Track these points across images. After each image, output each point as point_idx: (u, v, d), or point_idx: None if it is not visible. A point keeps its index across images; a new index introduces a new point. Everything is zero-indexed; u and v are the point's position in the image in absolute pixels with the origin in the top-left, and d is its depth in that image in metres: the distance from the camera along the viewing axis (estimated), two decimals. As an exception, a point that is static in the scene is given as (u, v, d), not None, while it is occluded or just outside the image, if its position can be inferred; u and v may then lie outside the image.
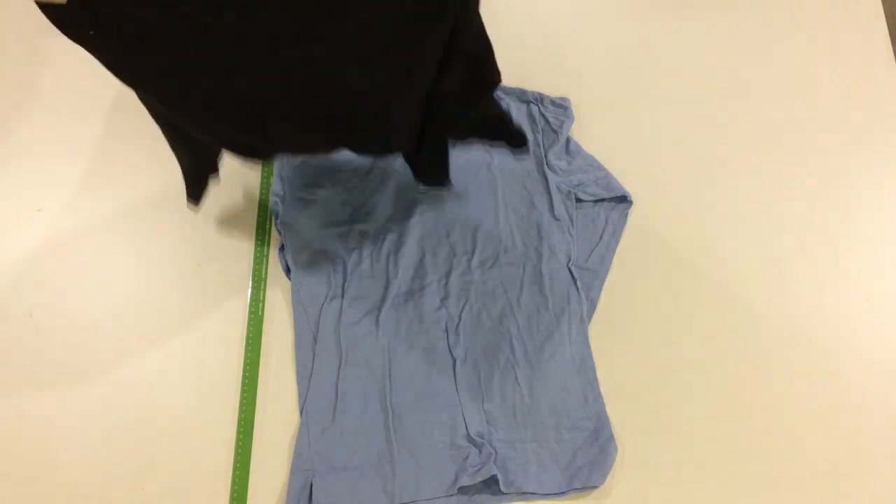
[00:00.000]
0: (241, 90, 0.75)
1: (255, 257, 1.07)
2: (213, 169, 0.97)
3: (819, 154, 1.15)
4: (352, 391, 0.99)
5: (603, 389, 1.00)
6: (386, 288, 1.05)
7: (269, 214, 1.09)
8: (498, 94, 1.14)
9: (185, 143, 0.93)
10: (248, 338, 1.03)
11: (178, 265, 1.07)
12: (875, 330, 1.04)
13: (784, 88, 1.19)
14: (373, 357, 1.01)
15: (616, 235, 1.09)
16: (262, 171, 1.12)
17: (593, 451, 0.96)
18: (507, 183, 1.11)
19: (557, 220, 1.08)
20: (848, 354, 1.03)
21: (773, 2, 1.26)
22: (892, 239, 1.10)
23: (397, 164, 1.10)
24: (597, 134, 1.15)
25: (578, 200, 1.10)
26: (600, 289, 1.05)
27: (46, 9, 0.62)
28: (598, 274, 1.06)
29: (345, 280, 1.05)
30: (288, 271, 1.06)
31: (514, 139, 0.97)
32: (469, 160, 1.12)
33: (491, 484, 0.94)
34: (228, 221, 1.10)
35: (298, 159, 1.10)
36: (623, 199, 1.10)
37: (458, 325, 1.03)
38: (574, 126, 1.14)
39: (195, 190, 0.99)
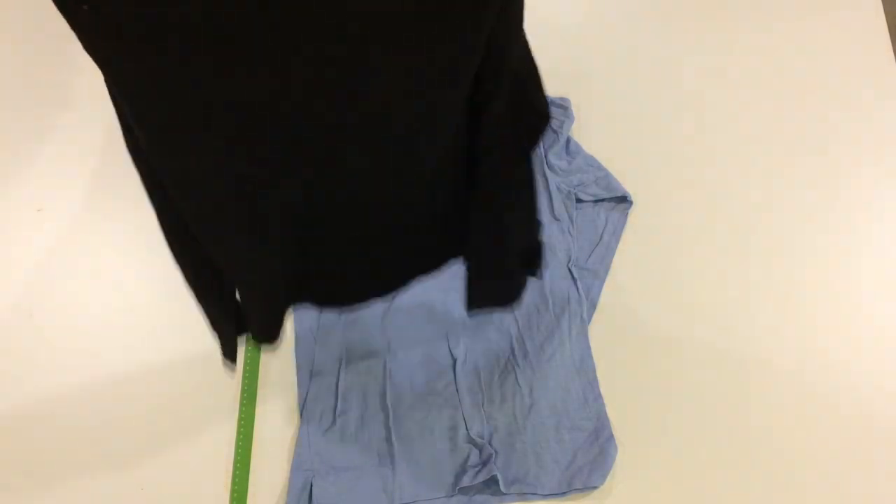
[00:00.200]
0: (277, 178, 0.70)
1: (255, 257, 1.07)
2: (244, 327, 0.89)
3: (819, 153, 1.15)
4: (352, 392, 0.99)
5: (603, 389, 1.00)
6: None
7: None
8: None
9: (215, 291, 0.84)
10: (248, 337, 1.03)
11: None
12: (875, 330, 1.04)
13: (784, 88, 1.19)
14: (373, 358, 1.01)
15: (616, 235, 1.09)
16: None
17: (593, 451, 0.96)
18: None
19: (557, 220, 1.08)
20: (848, 354, 1.03)
21: (773, 2, 1.26)
22: (893, 239, 1.10)
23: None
24: (597, 134, 1.15)
25: (578, 200, 1.10)
26: (600, 289, 1.05)
27: None
28: (598, 274, 1.06)
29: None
30: None
31: (534, 262, 0.92)
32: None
33: (491, 484, 0.94)
34: (228, 221, 1.10)
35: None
36: (623, 199, 1.10)
37: (458, 325, 1.03)
38: (574, 126, 1.14)
39: (228, 348, 0.91)
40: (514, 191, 0.80)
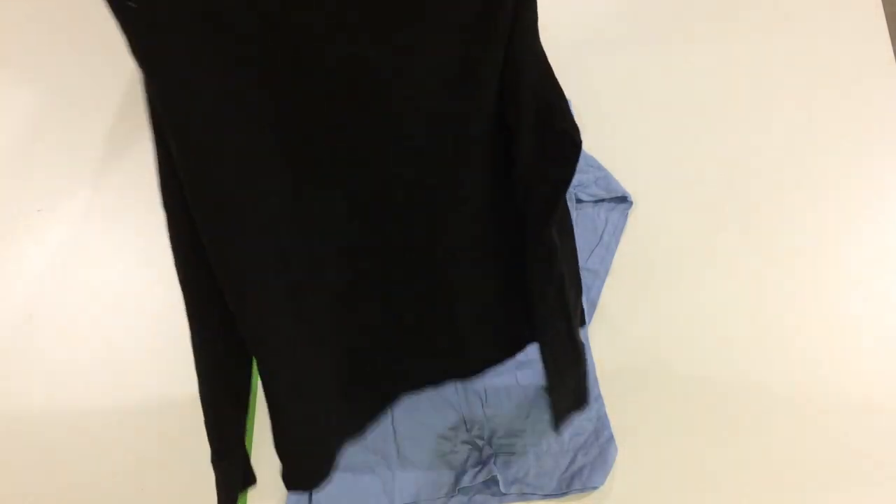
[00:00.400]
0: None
1: (255, 257, 1.07)
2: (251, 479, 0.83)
3: (819, 153, 1.15)
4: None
5: (603, 390, 1.00)
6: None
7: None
8: None
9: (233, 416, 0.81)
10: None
11: (178, 265, 1.07)
12: (875, 330, 1.04)
13: (784, 88, 1.19)
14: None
15: (616, 235, 1.09)
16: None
17: (593, 451, 0.96)
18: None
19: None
20: (848, 354, 1.03)
21: (773, 2, 1.26)
22: (893, 239, 1.10)
23: None
24: (597, 134, 1.15)
25: (578, 200, 1.10)
26: (600, 289, 1.05)
27: None
28: (598, 274, 1.06)
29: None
30: None
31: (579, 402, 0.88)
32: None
33: (491, 484, 0.94)
34: (228, 221, 1.10)
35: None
36: (623, 200, 1.10)
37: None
38: (574, 126, 1.14)
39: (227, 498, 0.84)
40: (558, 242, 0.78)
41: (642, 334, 1.03)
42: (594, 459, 0.95)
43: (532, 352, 1.01)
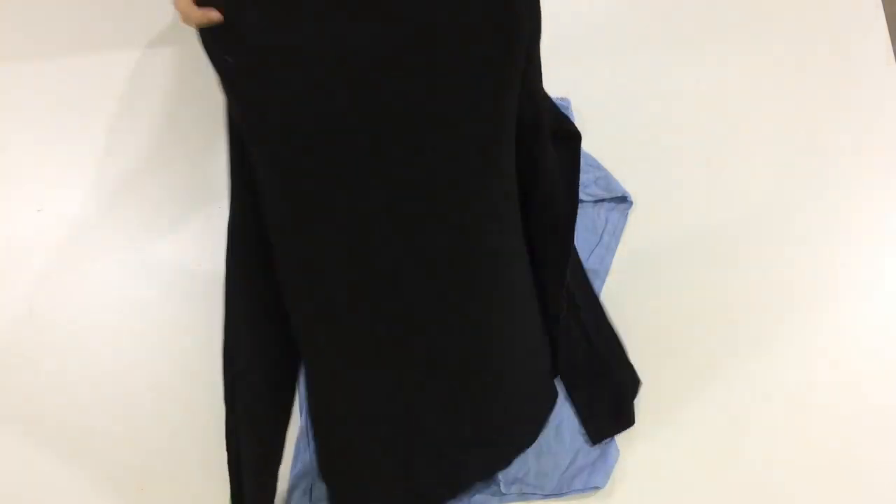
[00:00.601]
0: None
1: (256, 257, 1.07)
2: None
3: (819, 153, 1.15)
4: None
5: (603, 390, 1.00)
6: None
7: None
8: None
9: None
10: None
11: (179, 265, 1.07)
12: (875, 329, 1.04)
13: (784, 88, 1.19)
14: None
15: (616, 235, 1.08)
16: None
17: (594, 452, 0.95)
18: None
19: (557, 220, 1.08)
20: (848, 354, 1.03)
21: (773, 2, 1.26)
22: (892, 239, 1.10)
23: None
24: (597, 134, 1.15)
25: (579, 201, 1.09)
26: (600, 289, 1.05)
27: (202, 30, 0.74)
28: (598, 274, 1.06)
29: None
30: None
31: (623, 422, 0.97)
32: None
33: (491, 484, 0.94)
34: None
35: None
36: (623, 200, 1.10)
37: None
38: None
39: None
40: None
41: (642, 334, 1.03)
42: (595, 460, 0.95)
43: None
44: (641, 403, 0.99)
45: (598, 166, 1.11)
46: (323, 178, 0.77)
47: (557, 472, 0.95)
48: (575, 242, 1.07)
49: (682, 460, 0.97)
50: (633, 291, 1.06)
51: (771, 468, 0.97)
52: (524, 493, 0.94)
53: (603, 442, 0.96)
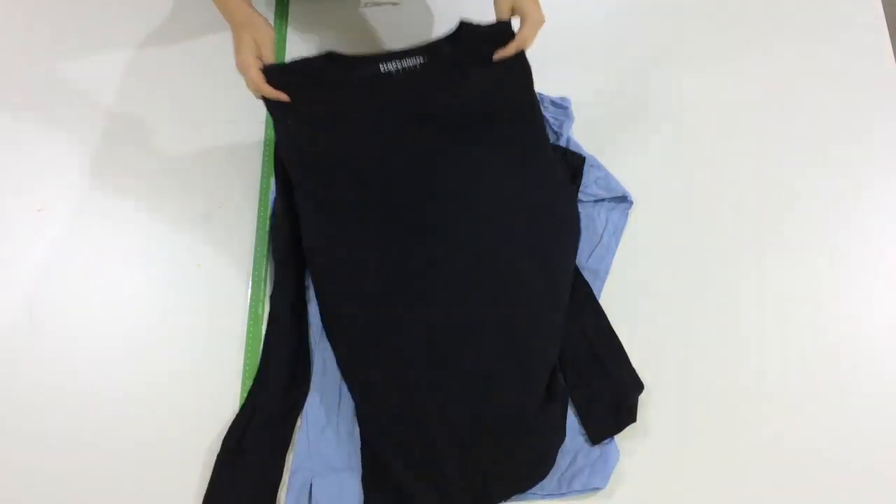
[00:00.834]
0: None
1: (255, 257, 1.07)
2: None
3: (819, 153, 1.15)
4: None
5: (603, 390, 1.00)
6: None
7: (268, 214, 1.08)
8: None
9: None
10: (248, 338, 1.03)
11: (178, 265, 1.07)
12: (878, 330, 1.04)
13: (784, 88, 1.19)
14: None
15: (616, 235, 1.08)
16: (262, 169, 1.12)
17: (594, 453, 0.95)
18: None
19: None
20: (848, 354, 1.02)
21: (772, 2, 1.26)
22: (893, 239, 1.09)
23: None
24: (597, 134, 1.15)
25: (578, 201, 1.09)
26: (600, 289, 1.05)
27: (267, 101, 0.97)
28: (598, 274, 1.05)
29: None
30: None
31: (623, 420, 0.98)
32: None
33: (491, 484, 0.94)
34: (228, 221, 1.10)
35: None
36: (623, 199, 1.10)
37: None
38: (574, 126, 1.14)
39: None
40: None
41: (643, 335, 1.03)
42: (595, 461, 0.95)
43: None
44: (641, 404, 0.98)
45: (598, 166, 1.11)
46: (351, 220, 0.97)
47: (557, 472, 0.94)
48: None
49: (682, 461, 0.97)
50: (633, 291, 1.05)
51: (772, 469, 0.96)
52: (524, 493, 0.94)
53: (603, 443, 0.96)
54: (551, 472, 0.94)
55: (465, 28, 1.01)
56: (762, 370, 1.01)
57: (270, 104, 0.97)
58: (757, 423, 0.99)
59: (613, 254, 1.07)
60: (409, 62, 0.99)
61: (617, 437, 0.96)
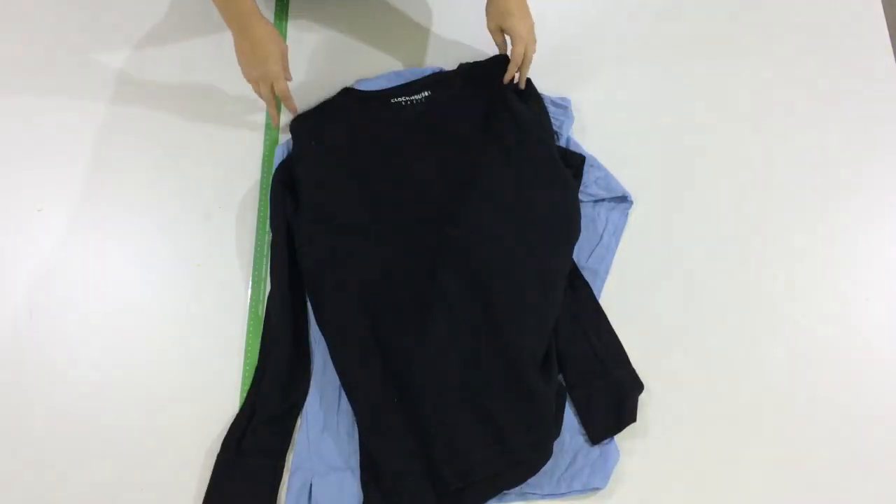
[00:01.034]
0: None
1: (255, 257, 1.07)
2: None
3: (819, 153, 1.15)
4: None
5: (603, 390, 1.00)
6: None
7: (268, 214, 1.09)
8: None
9: None
10: (248, 338, 1.03)
11: (178, 265, 1.07)
12: (879, 330, 1.04)
13: (784, 88, 1.19)
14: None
15: (616, 235, 1.08)
16: (262, 168, 1.12)
17: (594, 453, 0.95)
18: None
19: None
20: (848, 354, 1.02)
21: (772, 3, 1.26)
22: (892, 239, 1.09)
23: None
24: (597, 134, 1.15)
25: (579, 201, 1.09)
26: (600, 289, 1.05)
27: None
28: (598, 274, 1.05)
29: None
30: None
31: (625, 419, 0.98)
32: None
33: (491, 484, 0.94)
34: (228, 221, 1.10)
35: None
36: (623, 199, 1.10)
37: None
38: (574, 126, 1.14)
39: None
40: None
41: (643, 335, 1.03)
42: (595, 461, 0.95)
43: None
44: (641, 404, 0.98)
45: (598, 166, 1.11)
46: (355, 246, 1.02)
47: (557, 472, 0.94)
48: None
49: (682, 461, 0.97)
50: (633, 291, 1.05)
51: (772, 469, 0.96)
52: (524, 493, 0.94)
53: (603, 443, 0.96)
54: (551, 472, 0.94)
55: (464, 66, 1.13)
56: (762, 370, 1.01)
57: (296, 126, 1.09)
58: (757, 422, 0.99)
59: (613, 254, 1.07)
60: (417, 96, 1.10)
61: (617, 437, 0.96)
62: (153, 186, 1.12)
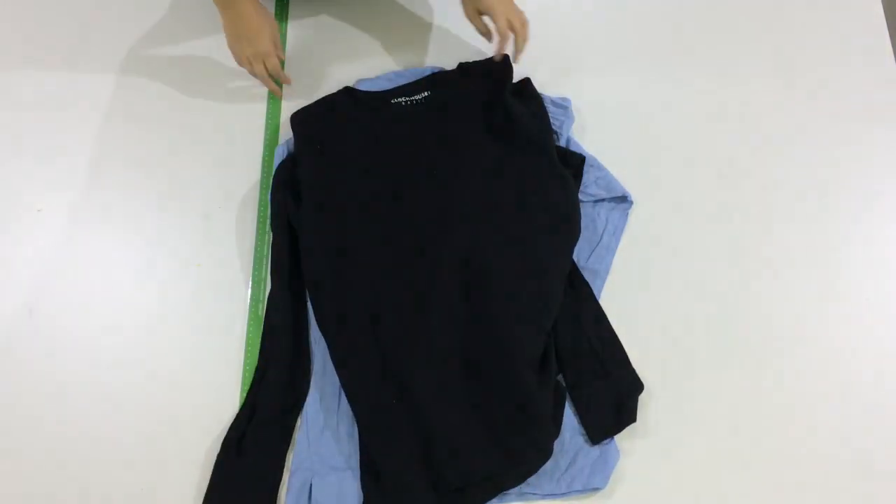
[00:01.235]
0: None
1: (255, 257, 1.07)
2: None
3: (819, 154, 1.15)
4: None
5: (603, 390, 0.99)
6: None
7: (268, 214, 1.09)
8: None
9: None
10: (248, 338, 1.03)
11: (178, 265, 1.07)
12: (879, 330, 1.04)
13: (784, 88, 1.19)
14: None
15: (616, 235, 1.08)
16: (262, 168, 1.12)
17: (594, 453, 0.95)
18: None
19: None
20: (849, 354, 1.02)
21: (772, 3, 1.26)
22: (893, 239, 1.09)
23: None
24: (597, 134, 1.15)
25: (579, 201, 1.09)
26: (600, 289, 1.05)
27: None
28: (598, 274, 1.05)
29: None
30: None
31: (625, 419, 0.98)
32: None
33: (490, 484, 0.94)
34: (228, 221, 1.10)
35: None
36: (623, 199, 1.10)
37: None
38: (574, 126, 1.14)
39: None
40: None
41: (643, 335, 1.03)
42: (595, 461, 0.95)
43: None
44: (641, 404, 0.98)
45: (598, 166, 1.11)
46: (357, 239, 1.01)
47: (557, 472, 0.94)
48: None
49: (682, 461, 0.97)
50: (633, 291, 1.05)
51: (772, 469, 0.96)
52: (523, 493, 0.94)
53: (603, 443, 0.96)
54: (551, 472, 0.94)
55: (464, 66, 1.13)
56: (762, 370, 1.01)
57: (296, 126, 1.08)
58: (757, 422, 0.99)
59: (613, 254, 1.07)
60: (417, 96, 1.11)
61: (617, 437, 0.96)
62: (153, 186, 1.12)
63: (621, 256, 1.07)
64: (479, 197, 1.03)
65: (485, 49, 1.17)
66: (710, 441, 0.98)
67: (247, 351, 1.02)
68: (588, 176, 1.10)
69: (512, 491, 0.93)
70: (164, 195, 1.11)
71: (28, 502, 0.95)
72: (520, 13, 1.03)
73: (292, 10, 1.24)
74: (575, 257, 1.05)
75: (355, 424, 0.96)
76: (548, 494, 0.94)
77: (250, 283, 1.06)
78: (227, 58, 1.10)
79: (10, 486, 0.96)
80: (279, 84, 1.14)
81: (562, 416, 0.96)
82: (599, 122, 1.15)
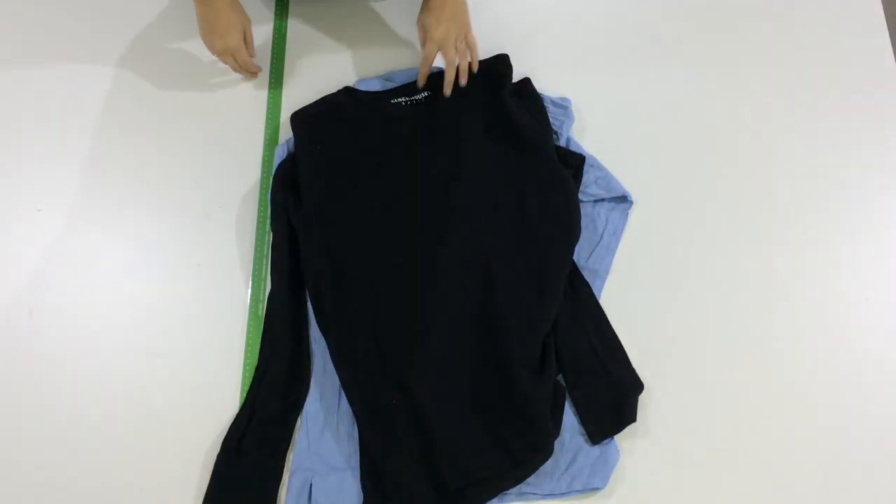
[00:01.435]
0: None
1: (255, 257, 1.07)
2: None
3: (819, 154, 1.15)
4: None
5: (603, 390, 0.99)
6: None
7: (268, 214, 1.09)
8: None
9: None
10: (248, 338, 1.03)
11: (178, 265, 1.07)
12: (878, 330, 1.04)
13: (784, 88, 1.19)
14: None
15: (616, 235, 1.08)
16: (262, 168, 1.12)
17: (594, 453, 0.95)
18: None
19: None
20: (849, 354, 1.02)
21: (772, 3, 1.26)
22: (892, 239, 1.09)
23: None
24: (597, 134, 1.15)
25: (579, 201, 1.09)
26: (600, 289, 1.05)
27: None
28: (598, 274, 1.05)
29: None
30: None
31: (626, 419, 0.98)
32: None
33: (490, 484, 0.94)
34: (228, 221, 1.10)
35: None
36: (623, 199, 1.10)
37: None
38: (574, 126, 1.14)
39: None
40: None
41: (643, 335, 1.03)
42: (595, 461, 0.95)
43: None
44: (641, 404, 0.98)
45: (598, 166, 1.11)
46: (357, 241, 1.02)
47: (557, 472, 0.94)
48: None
49: (682, 461, 0.97)
50: (633, 291, 1.05)
51: (772, 469, 0.96)
52: (523, 493, 0.94)
53: (603, 443, 0.96)
54: (551, 472, 0.94)
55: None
56: (762, 370, 1.01)
57: (296, 125, 1.09)
58: (757, 422, 0.99)
59: (613, 254, 1.07)
60: (417, 96, 1.11)
61: (617, 437, 0.96)
62: (153, 186, 1.12)
63: (621, 256, 1.07)
64: (479, 197, 1.03)
65: (485, 50, 1.17)
66: (710, 441, 0.98)
67: (247, 351, 1.02)
68: (588, 176, 1.10)
69: (512, 491, 0.93)
70: (165, 195, 1.11)
71: (26, 501, 0.95)
72: (465, 39, 1.06)
73: (292, 10, 1.24)
74: (575, 257, 1.05)
75: (355, 424, 0.96)
76: (548, 494, 0.94)
77: (250, 282, 1.06)
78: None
79: (10, 486, 0.96)
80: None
81: (562, 416, 0.96)
82: (599, 122, 1.15)
